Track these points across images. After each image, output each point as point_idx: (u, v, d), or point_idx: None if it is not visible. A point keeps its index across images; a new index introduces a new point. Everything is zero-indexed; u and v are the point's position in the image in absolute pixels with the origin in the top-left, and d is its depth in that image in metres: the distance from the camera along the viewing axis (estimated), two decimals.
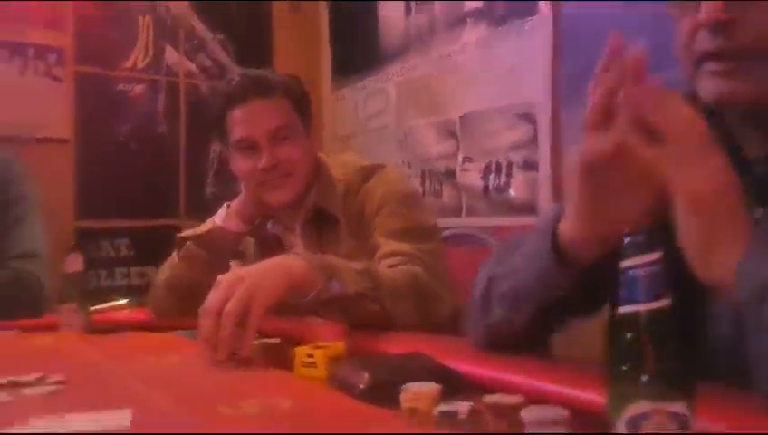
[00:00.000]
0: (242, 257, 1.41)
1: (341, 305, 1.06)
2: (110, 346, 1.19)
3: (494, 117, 2.22)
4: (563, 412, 0.62)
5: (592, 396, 0.64)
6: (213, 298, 0.95)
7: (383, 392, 0.74)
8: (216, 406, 0.72)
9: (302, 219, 1.41)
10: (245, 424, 0.67)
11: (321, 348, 0.91)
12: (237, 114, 1.36)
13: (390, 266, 1.21)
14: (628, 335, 0.49)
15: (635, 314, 0.49)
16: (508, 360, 0.80)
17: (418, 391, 0.71)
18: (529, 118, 2.10)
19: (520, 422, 0.63)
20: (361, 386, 0.75)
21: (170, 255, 1.50)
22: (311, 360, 0.89)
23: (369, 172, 1.41)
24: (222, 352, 0.93)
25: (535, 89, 2.09)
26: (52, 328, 1.44)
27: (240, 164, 1.39)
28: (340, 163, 1.47)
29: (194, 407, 0.72)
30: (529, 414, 0.63)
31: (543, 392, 0.68)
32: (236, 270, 1.01)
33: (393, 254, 1.25)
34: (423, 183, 2.48)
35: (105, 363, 1.02)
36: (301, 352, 0.91)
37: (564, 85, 1.99)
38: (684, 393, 0.47)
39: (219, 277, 0.99)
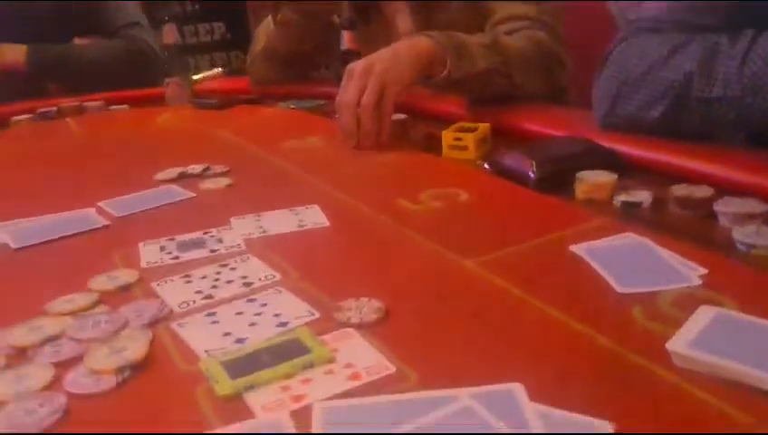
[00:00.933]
0: (354, 27, 1.35)
1: (471, 82, 1.04)
2: (235, 124, 1.21)
3: None
4: (764, 207, 0.63)
5: None
6: (349, 90, 0.94)
7: (555, 182, 0.75)
8: (396, 199, 0.75)
9: None
10: (430, 217, 0.70)
11: (467, 130, 0.92)
12: None
13: (511, 32, 1.15)
14: None
15: None
16: (673, 145, 0.79)
17: (597, 181, 0.72)
18: None
19: (712, 215, 0.65)
20: (532, 176, 0.76)
21: (237, 12, 1.46)
22: (460, 143, 0.90)
23: None
24: (366, 142, 0.95)
25: None
26: (158, 101, 1.47)
27: None
28: None
29: (373, 201, 0.75)
30: (725, 207, 0.64)
31: (733, 183, 0.68)
32: (366, 57, 0.98)
33: (514, 17, 1.18)
34: None
35: (252, 148, 1.04)
36: (448, 135, 0.91)
37: None
38: None
39: (350, 66, 0.97)
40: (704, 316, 0.46)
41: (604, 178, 0.73)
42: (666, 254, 0.57)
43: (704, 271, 0.53)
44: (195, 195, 0.82)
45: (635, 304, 0.50)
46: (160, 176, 0.89)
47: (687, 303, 0.49)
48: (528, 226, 0.66)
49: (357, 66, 0.97)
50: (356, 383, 0.42)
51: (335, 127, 1.01)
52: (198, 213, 0.76)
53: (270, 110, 1.34)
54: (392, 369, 0.43)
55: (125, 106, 1.47)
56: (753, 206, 0.63)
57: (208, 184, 0.85)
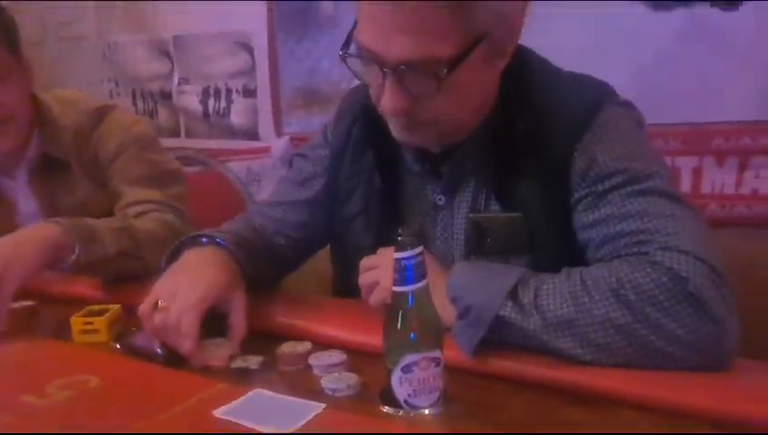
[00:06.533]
0: None
1: (102, 265, 1.09)
2: None
3: (211, 42, 2.24)
4: (343, 356, 0.79)
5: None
6: None
7: (181, 356, 0.84)
8: (20, 395, 0.75)
9: (27, 167, 1.33)
10: (59, 411, 0.72)
11: (98, 314, 0.96)
12: None
13: (140, 214, 1.24)
14: (402, 308, 0.67)
15: (405, 293, 0.67)
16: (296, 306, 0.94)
17: (214, 353, 0.83)
18: (246, 47, 2.18)
19: (309, 367, 0.79)
20: (160, 352, 0.84)
21: None
22: (91, 327, 0.94)
23: (99, 114, 1.36)
24: None
25: (251, 19, 2.16)
26: None
27: None
28: (65, 103, 1.38)
29: None
30: (316, 360, 0.79)
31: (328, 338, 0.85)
32: None
33: (141, 202, 1.27)
34: (135, 103, 2.39)
35: None
36: (78, 321, 0.94)
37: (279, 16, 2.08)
38: (439, 344, 0.68)
39: None
40: None
41: (222, 350, 0.84)
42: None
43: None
44: None
45: None
46: None
47: None
48: (159, 399, 0.72)
49: None
50: None
51: None
52: None
53: None
54: None
55: None
56: (337, 357, 0.80)
57: None
